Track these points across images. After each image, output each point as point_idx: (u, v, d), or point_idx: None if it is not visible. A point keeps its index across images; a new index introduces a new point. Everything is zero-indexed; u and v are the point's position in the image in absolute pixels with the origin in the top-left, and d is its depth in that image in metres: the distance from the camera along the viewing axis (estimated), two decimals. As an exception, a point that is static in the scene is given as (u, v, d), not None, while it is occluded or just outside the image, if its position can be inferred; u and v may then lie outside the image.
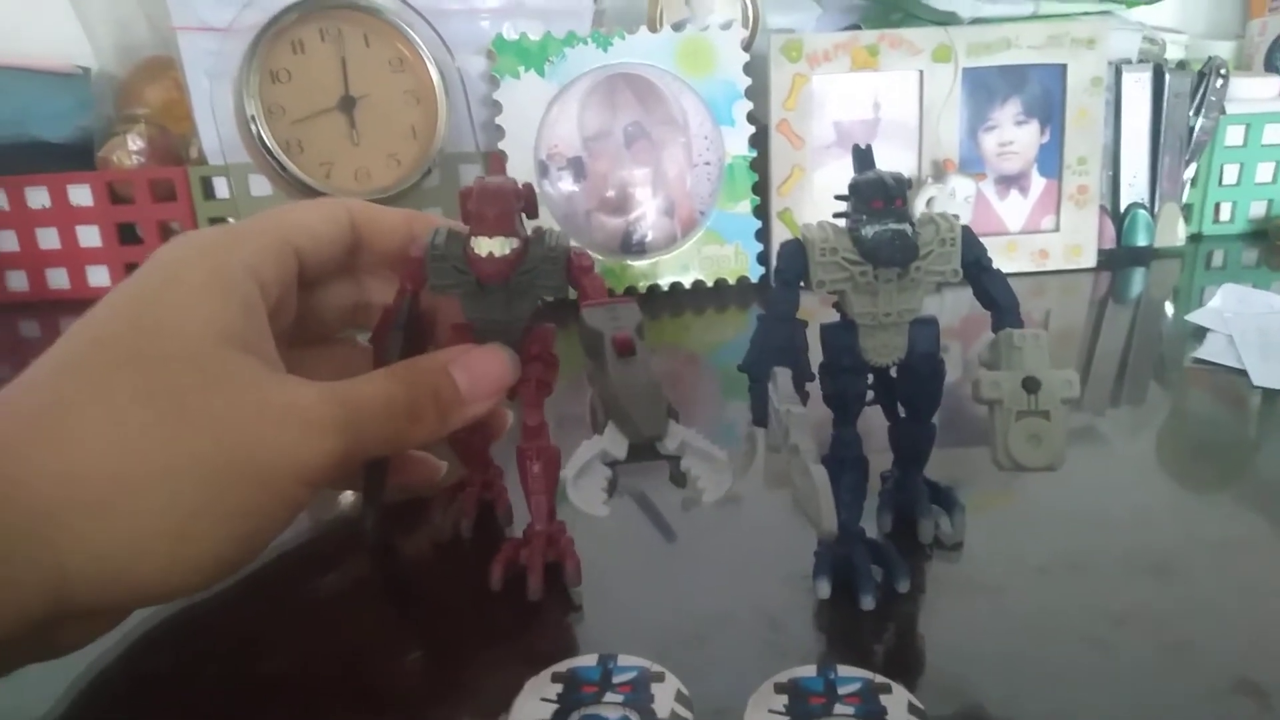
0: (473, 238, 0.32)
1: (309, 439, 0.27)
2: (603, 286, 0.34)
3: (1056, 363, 0.31)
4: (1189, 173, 0.75)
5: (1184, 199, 0.75)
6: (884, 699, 0.27)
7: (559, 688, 0.28)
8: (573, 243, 0.34)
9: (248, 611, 0.34)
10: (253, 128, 0.59)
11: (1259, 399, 0.49)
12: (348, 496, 0.40)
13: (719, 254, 0.69)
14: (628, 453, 0.30)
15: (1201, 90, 0.73)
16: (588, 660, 0.29)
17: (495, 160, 0.35)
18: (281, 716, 0.29)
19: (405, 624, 0.34)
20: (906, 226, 0.32)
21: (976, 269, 0.34)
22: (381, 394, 0.30)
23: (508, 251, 0.32)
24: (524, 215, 0.33)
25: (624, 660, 0.29)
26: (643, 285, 0.68)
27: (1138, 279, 0.71)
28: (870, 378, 0.35)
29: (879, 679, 0.28)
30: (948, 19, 0.69)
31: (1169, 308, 0.65)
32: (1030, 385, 0.30)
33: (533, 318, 0.34)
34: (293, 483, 0.27)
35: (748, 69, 0.69)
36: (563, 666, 0.29)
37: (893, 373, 0.35)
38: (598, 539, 0.35)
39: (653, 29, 0.69)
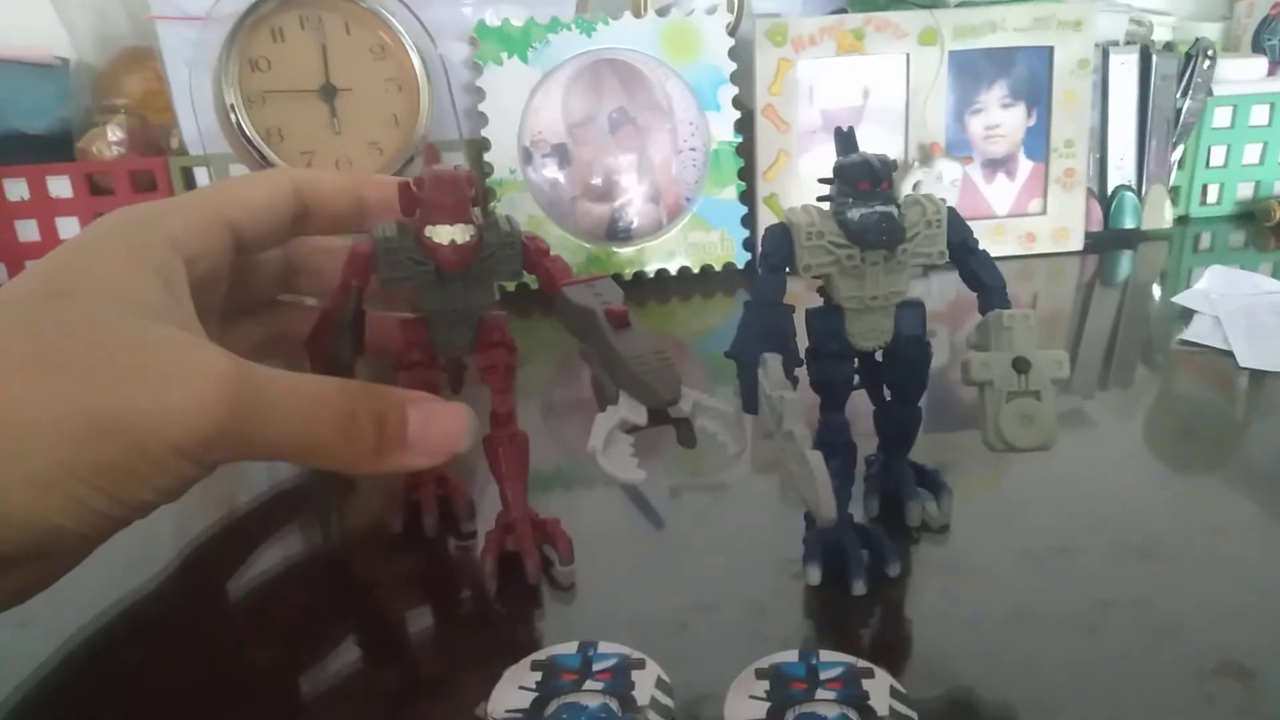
0: (429, 226, 0.31)
1: (189, 407, 0.26)
2: (568, 266, 0.34)
3: (1044, 345, 0.31)
4: (1176, 155, 0.75)
5: (1171, 181, 0.75)
6: (866, 683, 0.27)
7: (538, 675, 0.28)
8: (523, 227, 0.34)
9: (224, 609, 0.34)
10: (232, 117, 0.59)
11: (1245, 380, 0.49)
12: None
13: (705, 240, 0.69)
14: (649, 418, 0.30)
15: (1189, 72, 0.72)
16: (567, 648, 0.29)
17: (430, 151, 0.35)
18: (260, 713, 0.29)
19: (381, 620, 0.34)
20: (893, 208, 0.32)
21: (963, 250, 0.33)
22: (312, 393, 0.29)
23: (468, 238, 0.31)
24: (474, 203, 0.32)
25: (604, 648, 0.29)
26: (629, 272, 0.68)
27: (1125, 261, 0.71)
28: (856, 362, 0.35)
29: (861, 663, 0.28)
30: (934, 2, 0.68)
31: (1156, 290, 0.65)
32: (1020, 365, 0.30)
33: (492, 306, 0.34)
34: (167, 450, 0.26)
35: (733, 54, 0.68)
36: (542, 655, 0.29)
37: (878, 356, 0.35)
38: (583, 528, 0.35)
39: (637, 14, 0.68)
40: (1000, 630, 0.30)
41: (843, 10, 0.72)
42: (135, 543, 0.36)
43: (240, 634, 0.33)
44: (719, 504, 0.39)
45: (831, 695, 0.27)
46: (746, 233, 0.69)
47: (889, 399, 0.36)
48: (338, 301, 0.34)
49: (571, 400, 0.51)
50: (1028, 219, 0.71)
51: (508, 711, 0.27)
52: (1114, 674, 0.28)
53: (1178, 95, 0.73)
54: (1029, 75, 0.69)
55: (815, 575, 0.33)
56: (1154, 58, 0.72)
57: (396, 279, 0.32)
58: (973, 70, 0.69)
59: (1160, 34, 0.79)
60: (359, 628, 0.33)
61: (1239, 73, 0.77)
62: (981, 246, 0.34)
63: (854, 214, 0.32)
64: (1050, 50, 0.69)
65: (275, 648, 0.32)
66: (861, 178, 0.32)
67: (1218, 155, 0.77)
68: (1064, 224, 0.71)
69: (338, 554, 0.36)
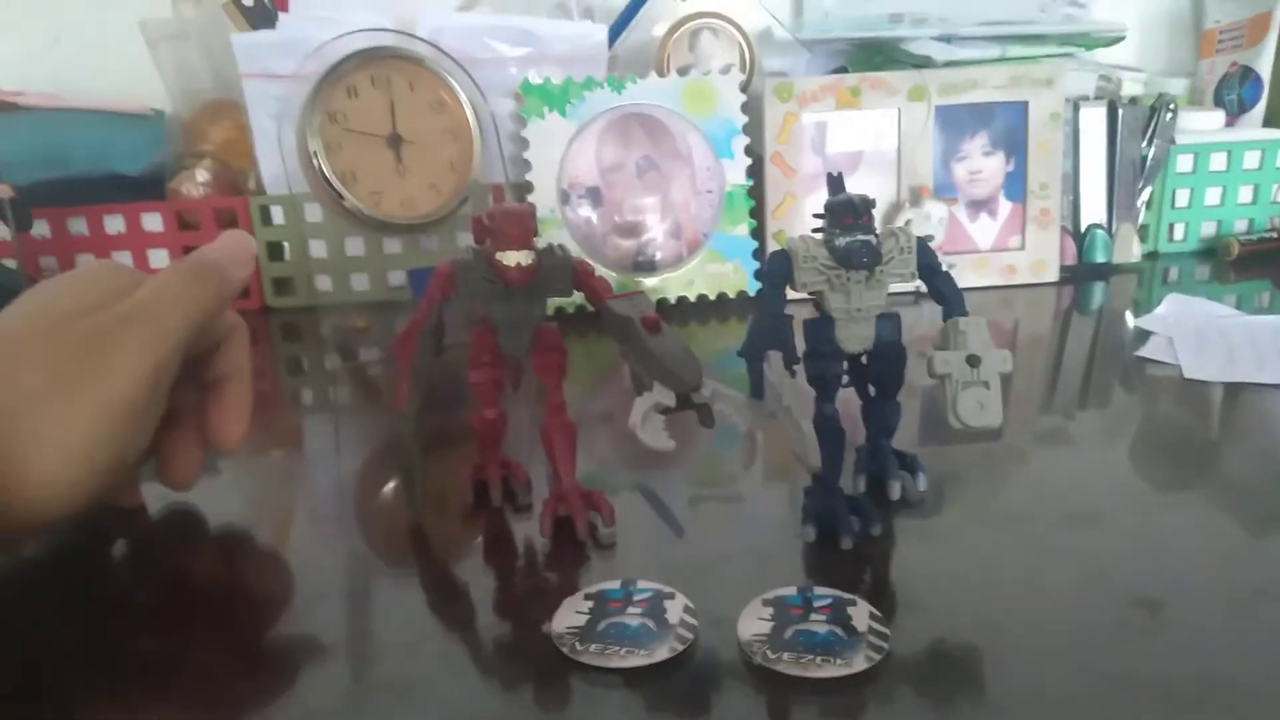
0: (500, 252, 0.38)
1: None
2: (609, 284, 0.41)
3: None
4: (1144, 196, 0.82)
5: (1140, 220, 0.82)
6: (850, 610, 0.34)
7: (590, 604, 0.35)
8: (573, 252, 0.41)
9: (343, 562, 0.42)
10: (315, 162, 0.67)
11: (1188, 389, 0.56)
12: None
13: (720, 271, 0.77)
14: (677, 402, 0.37)
15: (1152, 123, 0.80)
16: (612, 584, 0.36)
17: (499, 190, 0.41)
18: (368, 630, 0.36)
19: (460, 567, 0.40)
20: (872, 237, 0.39)
21: (929, 271, 0.41)
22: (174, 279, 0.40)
23: (530, 261, 0.39)
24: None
25: (643, 584, 0.36)
26: (653, 299, 0.75)
27: (1097, 292, 0.77)
28: (845, 364, 0.42)
29: (847, 596, 0.35)
30: (923, 63, 0.77)
31: (1129, 317, 0.71)
32: (973, 361, 0.37)
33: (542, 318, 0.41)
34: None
35: (745, 108, 0.76)
36: (593, 588, 0.36)
37: (863, 360, 0.42)
38: (624, 500, 0.42)
39: (661, 74, 0.77)
40: (961, 575, 0.37)
41: (842, 70, 0.80)
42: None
43: (356, 579, 0.40)
44: (731, 493, 0.46)
45: (823, 619, 0.34)
46: (757, 265, 0.77)
47: (873, 395, 0.43)
48: (424, 312, 0.41)
49: (599, 413, 0.57)
50: (1008, 253, 0.79)
51: (568, 628, 0.34)
52: (1050, 605, 0.35)
53: (1142, 144, 0.80)
54: (1007, 127, 0.77)
55: (811, 534, 0.40)
56: (1120, 111, 0.79)
57: (472, 293, 0.39)
58: (957, 122, 0.77)
59: (1132, 88, 0.87)
60: (447, 573, 0.40)
61: (1201, 124, 0.85)
62: (945, 269, 0.41)
63: (841, 242, 0.39)
64: (1025, 105, 0.77)
65: (376, 593, 0.39)
66: (846, 213, 0.39)
67: (1182, 197, 0.85)
68: (1041, 258, 0.78)
69: (422, 520, 0.43)
